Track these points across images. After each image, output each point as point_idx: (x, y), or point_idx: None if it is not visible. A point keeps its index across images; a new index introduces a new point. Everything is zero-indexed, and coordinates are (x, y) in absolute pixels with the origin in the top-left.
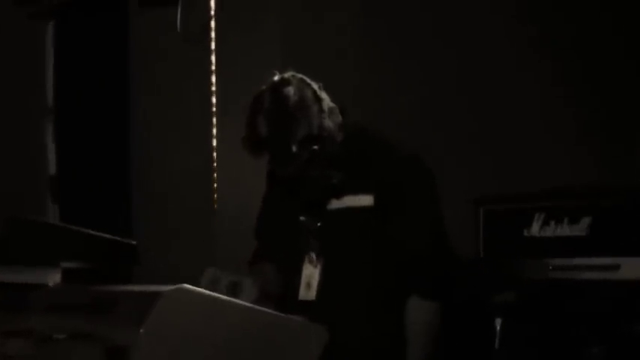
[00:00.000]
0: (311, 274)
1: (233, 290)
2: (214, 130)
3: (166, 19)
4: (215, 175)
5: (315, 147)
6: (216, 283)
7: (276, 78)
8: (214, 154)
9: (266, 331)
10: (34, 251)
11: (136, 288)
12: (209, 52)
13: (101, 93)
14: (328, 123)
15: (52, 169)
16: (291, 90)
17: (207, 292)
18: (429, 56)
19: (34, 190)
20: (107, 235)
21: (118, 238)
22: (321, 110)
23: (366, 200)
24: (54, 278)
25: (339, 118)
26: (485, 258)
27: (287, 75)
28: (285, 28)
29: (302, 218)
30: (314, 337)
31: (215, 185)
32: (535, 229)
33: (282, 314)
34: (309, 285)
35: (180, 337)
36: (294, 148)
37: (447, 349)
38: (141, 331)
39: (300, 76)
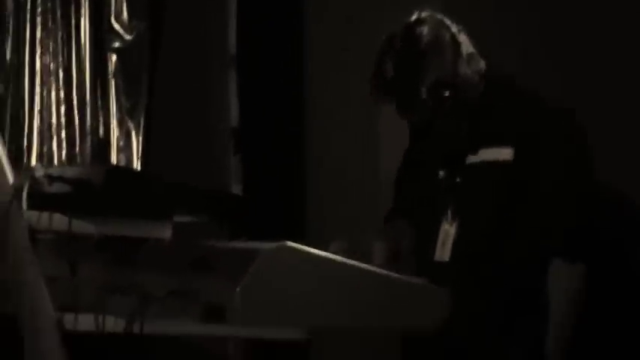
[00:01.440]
0: (447, 232)
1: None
2: None
3: None
4: (381, 139)
5: (447, 94)
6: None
7: (412, 18)
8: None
9: (381, 293)
10: (142, 204)
11: (243, 244)
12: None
13: (279, 42)
14: (465, 69)
15: (234, 120)
16: (425, 30)
17: (314, 250)
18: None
19: (216, 141)
20: (218, 189)
21: (230, 192)
22: (457, 55)
23: (504, 154)
24: (165, 232)
25: (481, 66)
26: None
27: (424, 14)
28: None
29: (441, 173)
30: (437, 301)
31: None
32: None
33: (402, 277)
34: (444, 244)
35: (282, 298)
36: (422, 94)
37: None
38: (237, 289)
39: (439, 16)
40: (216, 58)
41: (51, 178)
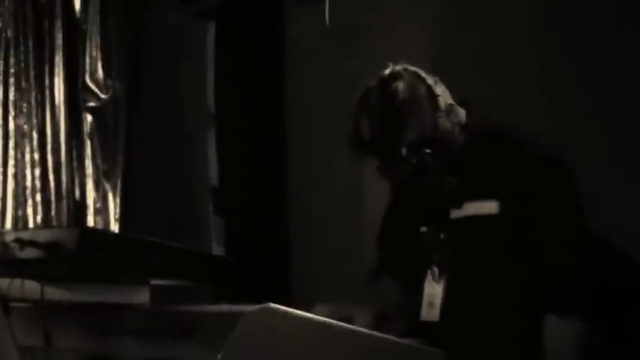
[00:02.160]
0: (434, 291)
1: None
2: None
3: (318, 15)
4: (365, 196)
5: (428, 150)
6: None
7: (386, 72)
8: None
9: (370, 356)
10: (118, 268)
11: (223, 308)
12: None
13: (258, 96)
14: (445, 123)
15: (214, 179)
16: (400, 85)
17: (298, 312)
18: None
19: (195, 201)
20: (199, 250)
21: (212, 254)
22: (435, 108)
23: (489, 207)
24: (143, 297)
25: (460, 117)
26: None
27: (398, 68)
28: (434, 23)
29: (423, 229)
30: None
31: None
32: None
33: (392, 337)
34: (431, 304)
35: None
36: (402, 152)
37: None
38: (219, 356)
39: (413, 69)
40: (194, 116)
41: (22, 243)
